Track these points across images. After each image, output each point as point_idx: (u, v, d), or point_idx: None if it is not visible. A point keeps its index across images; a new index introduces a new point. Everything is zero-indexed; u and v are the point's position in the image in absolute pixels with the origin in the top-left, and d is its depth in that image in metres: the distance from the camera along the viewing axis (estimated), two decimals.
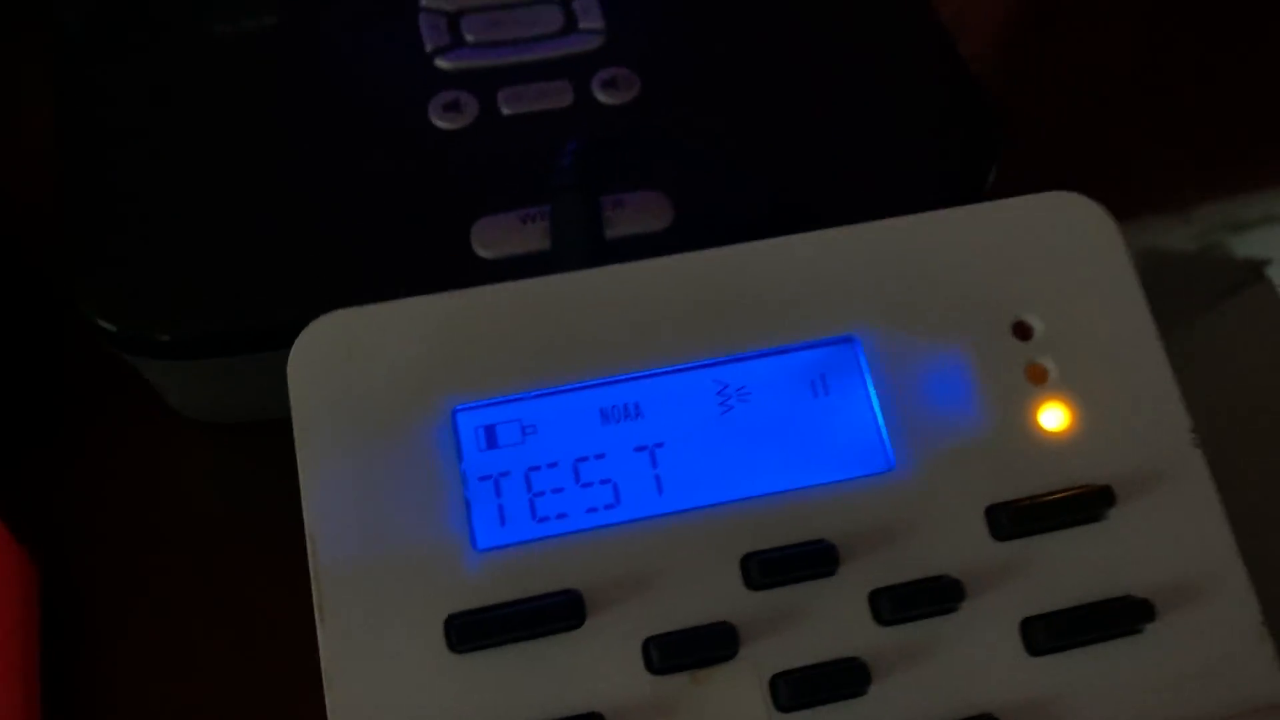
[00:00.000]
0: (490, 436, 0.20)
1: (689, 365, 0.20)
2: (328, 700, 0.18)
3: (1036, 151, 0.87)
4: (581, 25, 0.28)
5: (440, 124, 0.26)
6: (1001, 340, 0.21)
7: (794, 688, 0.18)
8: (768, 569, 0.19)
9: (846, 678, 0.18)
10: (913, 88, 0.27)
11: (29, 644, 0.23)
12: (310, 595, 0.18)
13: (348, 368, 0.19)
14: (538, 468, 0.19)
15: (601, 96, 0.27)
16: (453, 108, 0.26)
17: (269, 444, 0.21)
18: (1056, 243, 0.21)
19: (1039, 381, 0.20)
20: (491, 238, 0.24)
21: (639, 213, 0.25)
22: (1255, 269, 0.75)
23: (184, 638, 0.25)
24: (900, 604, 0.19)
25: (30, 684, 0.22)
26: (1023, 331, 0.21)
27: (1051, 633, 0.19)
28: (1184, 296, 0.76)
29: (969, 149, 0.26)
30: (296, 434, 0.19)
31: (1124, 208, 0.67)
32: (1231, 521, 0.20)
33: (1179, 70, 0.84)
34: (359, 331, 0.20)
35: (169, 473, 0.26)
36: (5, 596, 0.22)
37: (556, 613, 0.18)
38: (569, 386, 0.20)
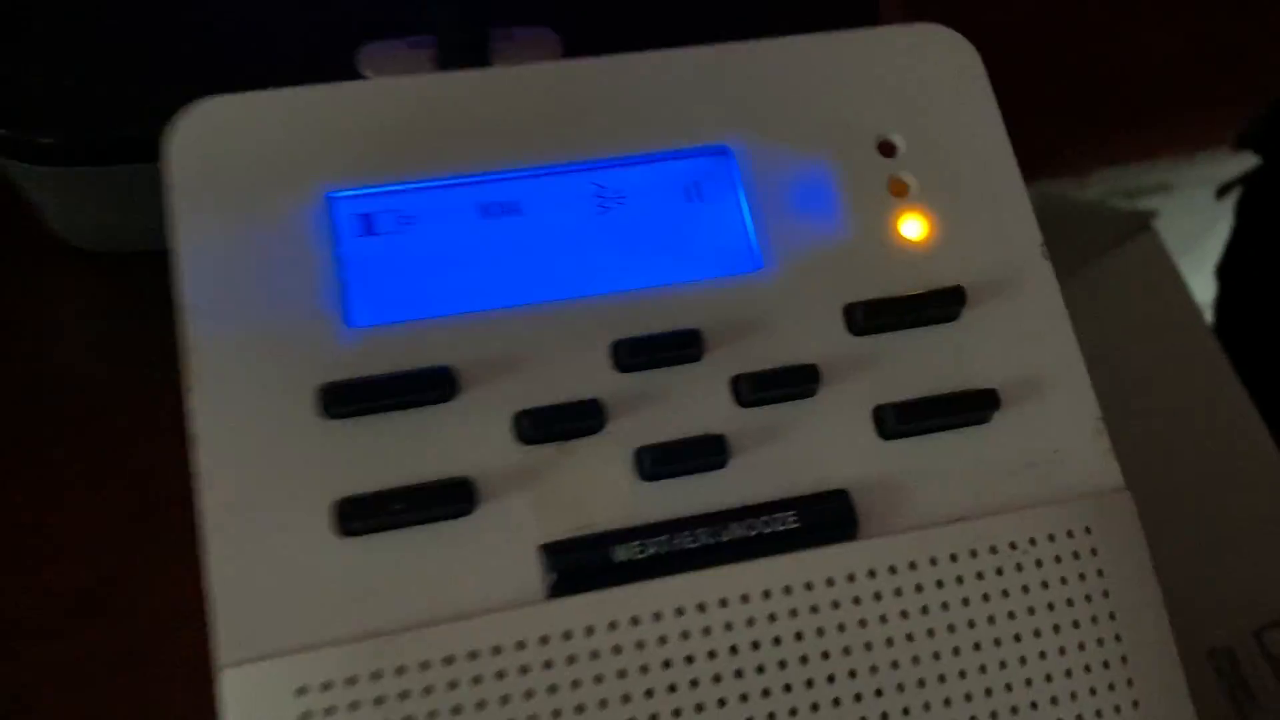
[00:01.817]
0: (367, 224, 0.20)
1: (569, 167, 0.21)
2: (197, 462, 0.18)
3: None
4: None
5: None
6: (867, 156, 0.22)
7: (656, 458, 0.19)
8: (636, 351, 0.19)
9: (707, 451, 0.19)
10: None
11: None
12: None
13: (226, 150, 0.20)
14: (414, 255, 0.20)
15: None
16: None
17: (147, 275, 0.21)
18: (923, 69, 0.22)
19: (900, 195, 0.21)
20: (379, 63, 0.24)
21: (528, 47, 0.25)
22: (1143, 221, 0.78)
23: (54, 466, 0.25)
24: (759, 386, 0.20)
25: None
26: (887, 149, 0.22)
27: (901, 418, 0.20)
28: (1076, 245, 0.79)
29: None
30: (173, 211, 0.19)
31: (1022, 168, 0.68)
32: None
33: (1087, 42, 0.87)
34: (238, 116, 0.20)
35: (47, 296, 0.26)
36: None
37: (428, 384, 0.19)
38: (450, 181, 0.20)
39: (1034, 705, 0.19)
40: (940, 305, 0.21)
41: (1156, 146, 1.14)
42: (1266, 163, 0.72)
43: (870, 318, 0.20)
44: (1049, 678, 0.19)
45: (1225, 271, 0.76)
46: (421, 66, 0.24)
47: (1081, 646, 0.19)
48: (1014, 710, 0.18)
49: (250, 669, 0.17)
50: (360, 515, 0.18)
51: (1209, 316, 0.73)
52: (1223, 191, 0.93)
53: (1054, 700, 0.19)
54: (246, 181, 0.20)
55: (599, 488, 0.19)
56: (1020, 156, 0.71)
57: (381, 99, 0.21)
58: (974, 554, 0.19)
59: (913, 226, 0.21)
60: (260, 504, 0.18)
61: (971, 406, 0.20)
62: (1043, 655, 0.19)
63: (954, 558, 0.19)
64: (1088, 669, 0.19)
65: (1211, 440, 0.69)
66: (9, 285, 0.26)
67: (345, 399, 0.18)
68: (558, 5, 0.26)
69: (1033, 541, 0.19)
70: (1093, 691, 0.19)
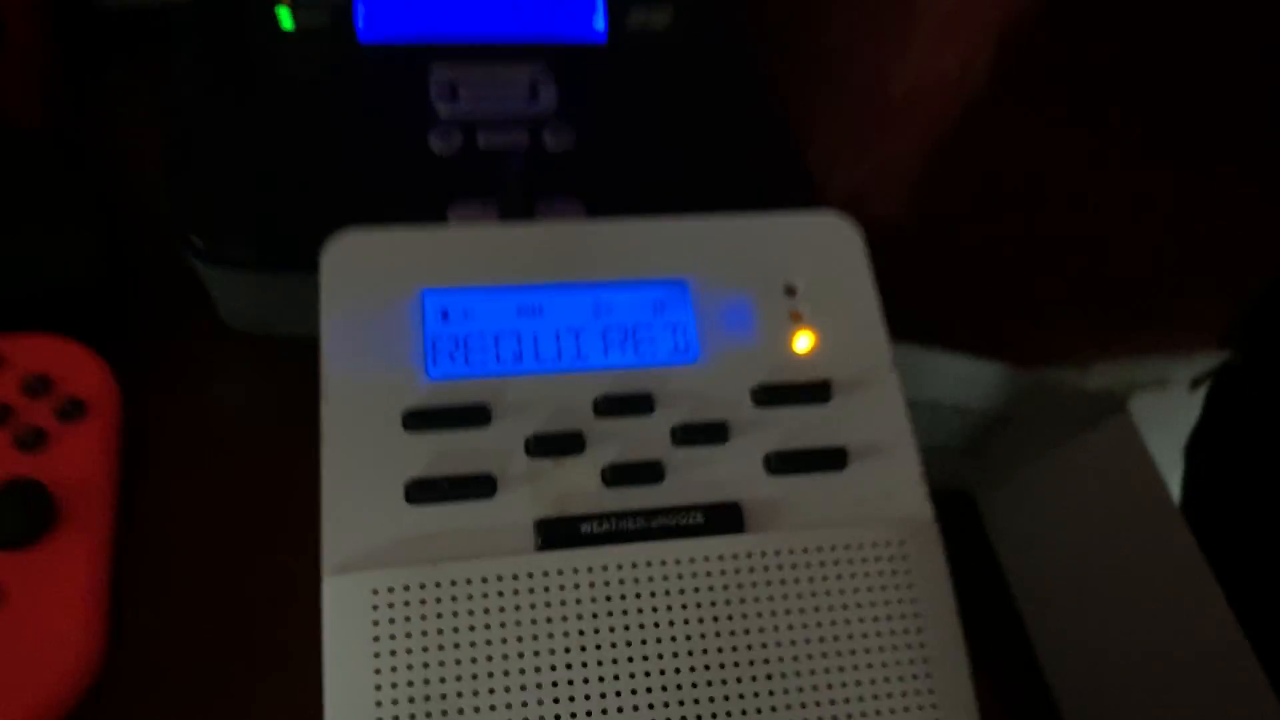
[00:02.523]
0: (444, 313, 0.31)
1: (578, 286, 0.32)
2: (323, 451, 0.28)
3: (964, 303, 1.01)
4: (541, 97, 0.40)
5: (437, 148, 0.38)
6: (775, 294, 0.32)
7: (616, 472, 0.29)
8: (609, 405, 0.30)
9: (649, 472, 0.29)
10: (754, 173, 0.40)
11: (113, 452, 0.33)
12: None
13: (359, 263, 0.31)
14: (472, 335, 0.31)
15: (549, 144, 0.39)
16: (444, 138, 0.38)
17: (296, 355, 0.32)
18: (820, 239, 0.33)
19: (797, 320, 0.32)
20: (461, 218, 0.36)
21: (561, 213, 0.37)
22: (1117, 403, 0.88)
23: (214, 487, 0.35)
24: (688, 434, 0.30)
25: (111, 489, 0.32)
26: (790, 290, 0.33)
27: (781, 461, 0.30)
28: (1054, 424, 0.88)
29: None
30: (323, 297, 0.30)
31: (1029, 358, 0.81)
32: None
33: (1090, 245, 0.98)
34: (370, 242, 0.31)
35: (215, 365, 0.37)
36: (106, 408, 0.33)
37: (472, 415, 0.29)
38: (498, 290, 0.31)
39: (852, 652, 0.28)
40: (815, 392, 0.31)
41: (1152, 344, 1.25)
42: (1245, 359, 0.82)
43: (767, 395, 0.31)
44: (866, 645, 0.28)
45: (1192, 451, 0.85)
46: (490, 218, 0.36)
47: (891, 629, 0.28)
48: (837, 654, 0.28)
49: (342, 577, 0.27)
50: (421, 491, 0.28)
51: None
52: (1196, 383, 1.03)
53: (866, 651, 0.28)
54: (371, 283, 0.31)
55: (577, 489, 0.29)
56: (1026, 348, 0.84)
57: (459, 237, 0.32)
58: (819, 549, 0.29)
59: (803, 341, 0.32)
60: (359, 480, 0.28)
61: (830, 459, 0.30)
62: (861, 628, 0.28)
63: (805, 549, 0.29)
64: (894, 644, 0.28)
65: (1172, 612, 0.77)
66: (190, 355, 0.37)
67: (419, 420, 0.29)
68: (583, 184, 0.37)
69: (860, 545, 0.29)
70: (895, 654, 0.28)
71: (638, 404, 0.30)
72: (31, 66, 0.42)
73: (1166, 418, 0.95)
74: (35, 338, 0.34)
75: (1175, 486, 0.86)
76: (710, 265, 0.33)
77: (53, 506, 0.30)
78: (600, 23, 0.43)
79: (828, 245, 0.34)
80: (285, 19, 0.40)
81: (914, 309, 0.97)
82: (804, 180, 0.40)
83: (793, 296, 0.33)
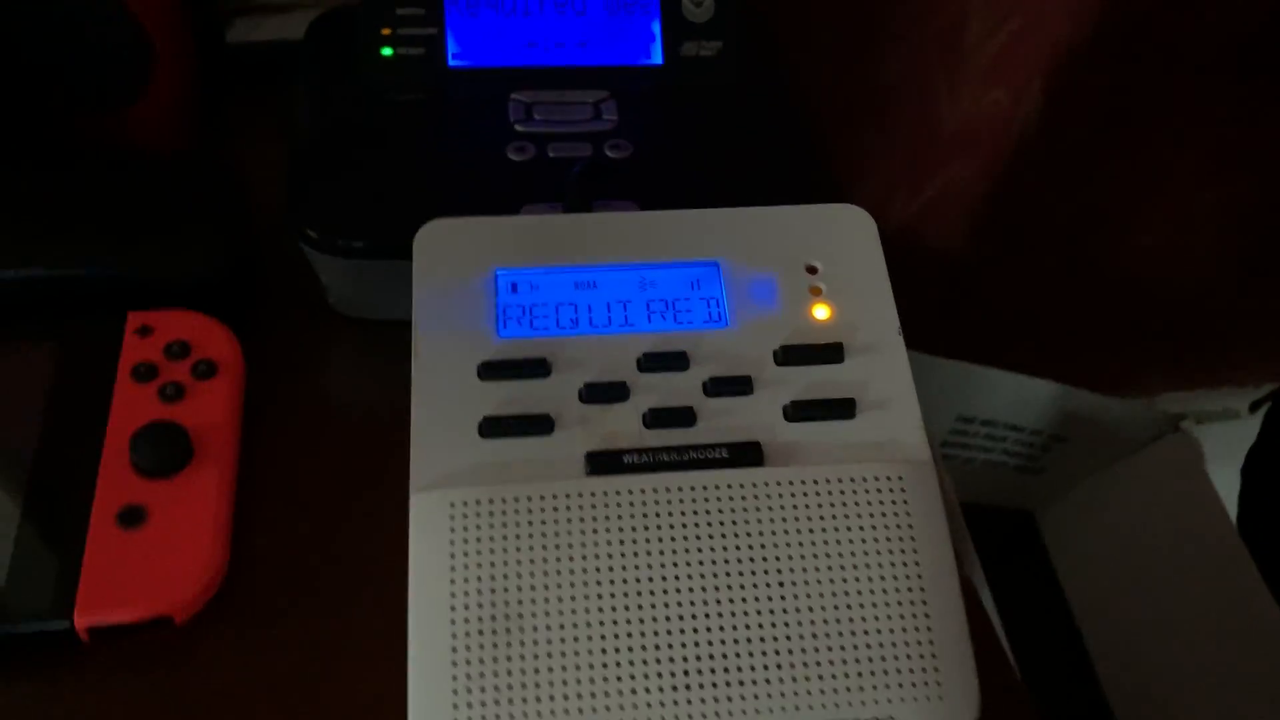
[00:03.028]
0: (513, 287, 0.37)
1: (627, 266, 0.37)
2: (414, 398, 0.34)
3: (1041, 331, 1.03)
4: (604, 116, 0.46)
5: (513, 157, 0.44)
6: (798, 272, 0.37)
7: (656, 415, 0.34)
8: (651, 361, 0.35)
9: (683, 417, 0.34)
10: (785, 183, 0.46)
11: (238, 405, 0.39)
12: None
13: (444, 245, 0.37)
14: (537, 305, 0.36)
15: (610, 154, 0.45)
16: (520, 150, 0.44)
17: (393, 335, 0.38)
18: (840, 226, 0.38)
19: (816, 294, 0.37)
20: (531, 213, 0.42)
21: (618, 210, 0.42)
22: (1173, 423, 0.90)
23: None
24: (718, 386, 0.35)
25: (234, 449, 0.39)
26: (811, 269, 0.38)
27: (798, 409, 0.35)
28: (1113, 443, 0.91)
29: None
30: (414, 279, 0.36)
31: (1091, 385, 0.86)
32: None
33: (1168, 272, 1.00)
34: (453, 229, 0.37)
35: (324, 342, 0.44)
36: (233, 369, 0.39)
37: (535, 368, 0.35)
38: (560, 269, 0.37)
39: (854, 568, 0.32)
40: (829, 353, 0.36)
41: (1220, 376, 1.26)
42: None
43: (787, 355, 0.36)
44: (867, 563, 0.33)
45: (1248, 470, 0.87)
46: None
47: (889, 549, 0.33)
48: (841, 570, 0.32)
49: (426, 493, 0.33)
50: (491, 427, 0.34)
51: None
52: (1256, 405, 1.04)
53: (867, 568, 0.32)
54: (454, 263, 0.37)
55: (622, 429, 0.34)
56: (1095, 375, 0.89)
57: (527, 225, 0.38)
58: (828, 480, 0.33)
59: (821, 311, 0.37)
60: (442, 416, 0.34)
61: (841, 408, 0.35)
62: (864, 548, 0.33)
63: (815, 481, 0.33)
64: (892, 563, 0.33)
65: (1229, 629, 0.79)
66: (304, 332, 0.44)
67: (491, 371, 0.35)
68: (637, 188, 0.43)
69: (864, 479, 0.34)
70: (893, 575, 0.33)
71: (675, 361, 0.35)
72: (176, 95, 0.49)
73: (1236, 448, 0.97)
74: (176, 313, 0.40)
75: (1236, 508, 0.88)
76: (741, 248, 0.38)
77: (189, 444, 0.37)
78: (658, 53, 0.49)
79: (846, 232, 0.39)
80: (386, 49, 0.47)
81: (974, 332, 1.00)
82: (826, 186, 0.45)
83: (813, 274, 0.38)
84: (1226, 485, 0.94)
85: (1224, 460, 1.00)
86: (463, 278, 0.37)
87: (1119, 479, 0.89)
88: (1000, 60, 0.79)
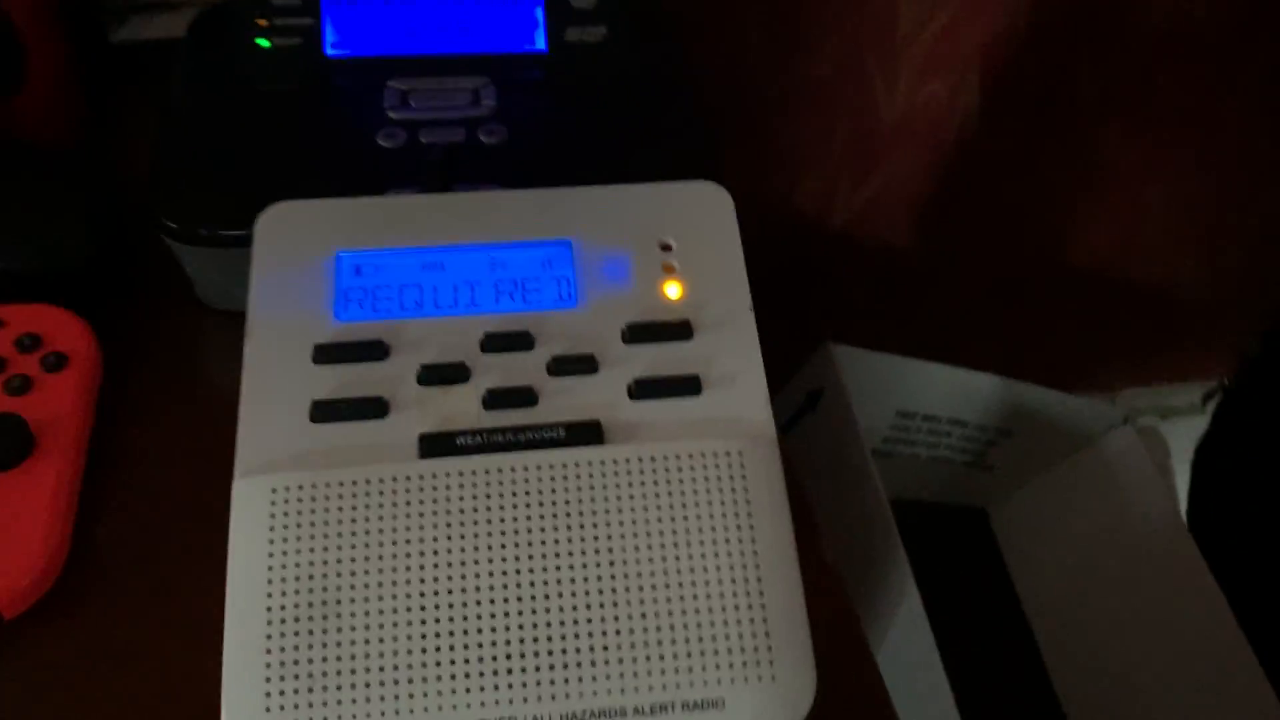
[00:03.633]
0: (357, 269, 0.36)
1: (477, 247, 0.36)
2: (243, 378, 0.33)
3: (990, 318, 1.03)
4: (482, 102, 0.46)
5: (383, 143, 0.43)
6: (651, 248, 0.37)
7: (495, 396, 0.33)
8: (494, 341, 0.34)
9: (524, 397, 0.33)
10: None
11: (89, 398, 0.39)
12: None
13: (287, 228, 0.36)
14: (379, 288, 0.36)
15: (483, 138, 0.44)
16: (390, 137, 0.44)
17: None
18: (696, 204, 0.38)
19: (669, 272, 0.36)
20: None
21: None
22: (1122, 417, 0.89)
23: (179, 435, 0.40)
24: (561, 365, 0.34)
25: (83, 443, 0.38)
26: (665, 246, 0.37)
27: (642, 388, 0.34)
28: (1062, 438, 0.90)
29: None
30: (252, 261, 0.36)
31: (1051, 382, 0.85)
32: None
33: (1129, 268, 1.00)
34: (298, 211, 0.37)
35: (190, 333, 0.43)
36: (86, 361, 0.38)
37: (371, 351, 0.34)
38: (404, 250, 0.36)
39: (689, 545, 0.31)
40: (677, 330, 0.35)
41: (1186, 369, 1.25)
42: (1252, 370, 0.82)
43: (635, 333, 0.35)
44: (702, 540, 0.32)
45: (1197, 463, 0.86)
46: None
47: (725, 527, 0.32)
48: (675, 548, 0.31)
49: (248, 479, 0.32)
50: (322, 411, 0.33)
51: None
52: (1208, 398, 1.03)
53: (702, 545, 0.31)
54: (296, 245, 0.36)
55: (459, 411, 0.33)
56: (1055, 372, 0.88)
57: (375, 206, 0.37)
58: (665, 457, 0.32)
59: (673, 289, 0.36)
60: (272, 400, 0.33)
61: (687, 385, 0.34)
62: (699, 525, 0.32)
63: (653, 458, 0.32)
64: (727, 540, 0.32)
65: (1177, 623, 0.77)
66: (174, 326, 0.43)
67: (326, 354, 0.34)
68: (508, 173, 0.42)
69: (703, 454, 0.33)
70: (728, 554, 0.32)
71: (519, 340, 0.35)
72: (51, 91, 0.48)
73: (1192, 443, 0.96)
74: (31, 306, 0.39)
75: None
76: (595, 227, 0.37)
77: (30, 437, 0.36)
78: (541, 39, 0.48)
79: (701, 208, 0.38)
80: (262, 39, 0.46)
81: (924, 328, 0.99)
82: (713, 171, 0.44)
83: (667, 252, 0.37)
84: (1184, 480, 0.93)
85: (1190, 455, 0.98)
86: (303, 260, 0.36)
87: (1069, 475, 0.88)
88: (934, 52, 0.79)
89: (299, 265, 0.36)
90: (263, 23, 0.47)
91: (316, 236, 0.36)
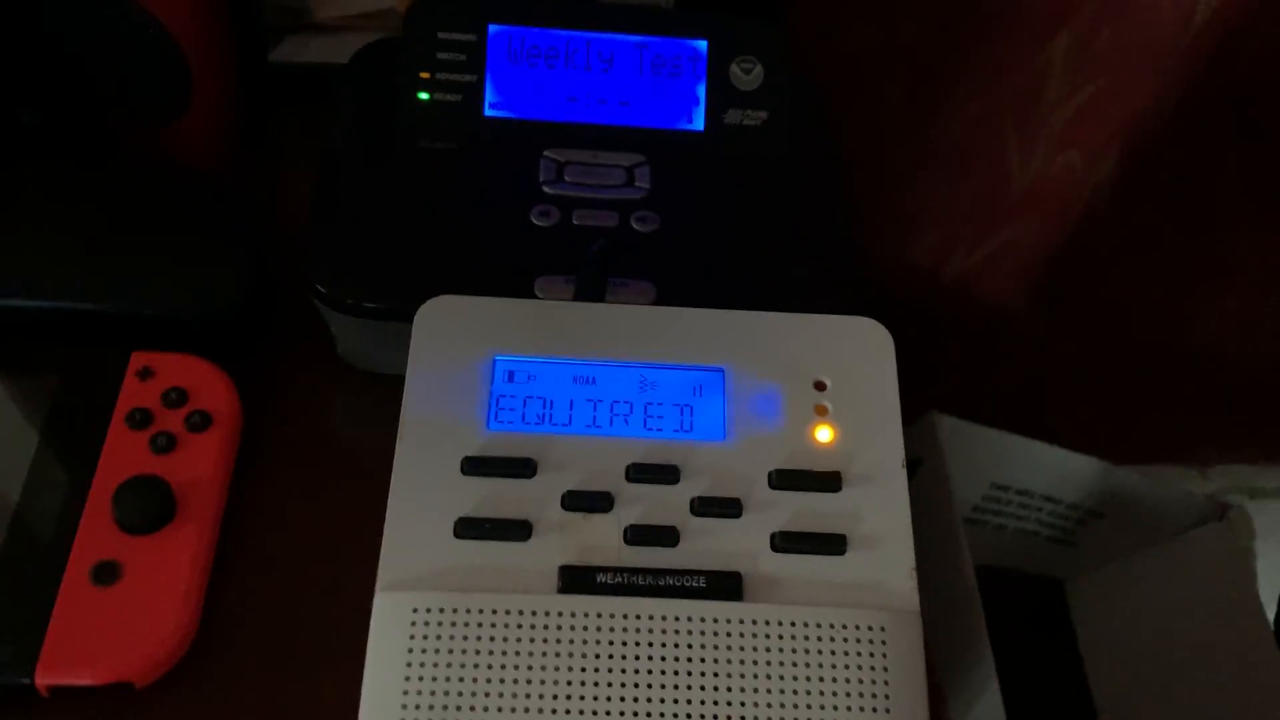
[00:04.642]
0: (510, 376, 0.36)
1: (629, 364, 0.36)
2: (393, 482, 0.33)
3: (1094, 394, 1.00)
4: (636, 183, 0.45)
5: (536, 222, 0.43)
6: (805, 387, 0.36)
7: (637, 533, 0.33)
8: (640, 471, 0.34)
9: (665, 536, 0.33)
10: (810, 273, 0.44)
11: (230, 461, 0.39)
12: None
13: (445, 324, 0.36)
14: (530, 397, 0.35)
15: (636, 226, 0.44)
16: (544, 215, 0.43)
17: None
18: (853, 341, 0.37)
19: (822, 414, 0.36)
20: (545, 287, 0.41)
21: (633, 293, 0.41)
22: (1219, 509, 0.87)
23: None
24: (705, 506, 0.34)
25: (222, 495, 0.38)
26: (820, 385, 0.36)
27: (786, 540, 0.33)
28: (1155, 524, 0.88)
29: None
30: (410, 355, 0.36)
31: (1142, 458, 0.83)
32: None
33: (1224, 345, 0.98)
34: (456, 308, 0.36)
35: (329, 392, 0.43)
36: (229, 421, 0.39)
37: (519, 467, 0.34)
38: (558, 360, 0.36)
39: None
40: (827, 481, 0.34)
41: (1273, 451, 1.21)
42: None
43: (783, 479, 0.34)
44: (837, 712, 0.31)
45: None
46: (568, 295, 0.41)
47: (860, 707, 0.31)
48: (808, 716, 0.31)
49: (391, 594, 0.32)
50: (467, 528, 0.33)
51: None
52: None
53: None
54: (453, 343, 0.36)
55: (601, 542, 0.33)
56: (1150, 441, 0.86)
57: (533, 310, 0.37)
58: (805, 624, 0.32)
59: (824, 433, 0.35)
60: (418, 511, 0.33)
61: (831, 543, 0.33)
62: (834, 702, 0.31)
63: (793, 623, 0.32)
64: (861, 712, 0.31)
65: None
66: (315, 380, 0.43)
67: (475, 466, 0.34)
68: (659, 268, 0.42)
69: (844, 626, 0.32)
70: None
71: (664, 473, 0.34)
72: (214, 117, 0.49)
73: None
74: (179, 357, 0.40)
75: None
76: (749, 355, 0.36)
77: (173, 501, 0.36)
78: (700, 119, 0.47)
79: (860, 347, 0.37)
80: (423, 93, 0.46)
81: (1023, 391, 0.97)
82: (855, 288, 0.43)
83: (821, 391, 0.36)
84: (1275, 564, 0.91)
85: (1276, 539, 0.96)
86: (460, 361, 0.36)
87: (1155, 560, 0.86)
88: (1077, 122, 0.76)
89: (456, 366, 0.36)
90: (425, 75, 0.46)
91: (473, 336, 0.36)
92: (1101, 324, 0.92)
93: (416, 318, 0.36)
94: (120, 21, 0.44)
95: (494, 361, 0.36)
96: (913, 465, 0.75)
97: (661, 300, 0.41)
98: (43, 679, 0.33)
